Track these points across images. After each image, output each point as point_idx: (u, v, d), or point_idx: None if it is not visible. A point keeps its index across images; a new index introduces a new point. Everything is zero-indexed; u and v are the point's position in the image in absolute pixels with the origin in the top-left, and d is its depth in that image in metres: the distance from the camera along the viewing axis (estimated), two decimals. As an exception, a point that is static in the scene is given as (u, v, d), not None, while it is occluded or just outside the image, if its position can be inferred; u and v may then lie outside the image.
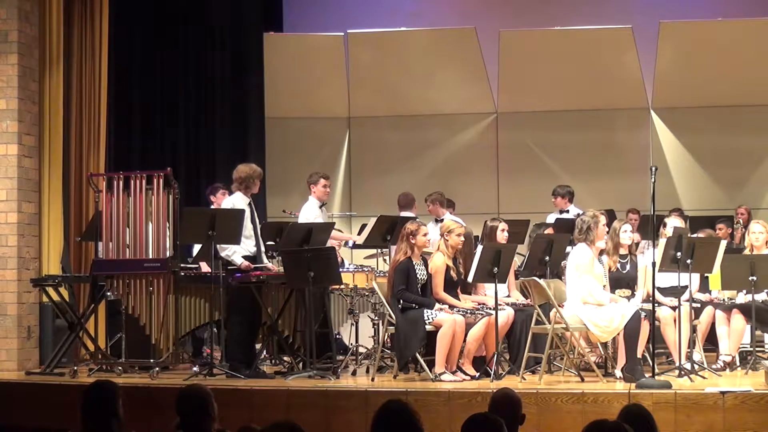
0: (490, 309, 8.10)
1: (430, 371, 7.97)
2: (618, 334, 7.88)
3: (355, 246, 10.09)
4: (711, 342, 8.62)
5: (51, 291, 9.12)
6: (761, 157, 12.56)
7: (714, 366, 8.27)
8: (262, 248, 8.81)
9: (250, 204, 8.71)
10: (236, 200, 8.71)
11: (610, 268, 8.36)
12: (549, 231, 9.55)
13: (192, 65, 12.40)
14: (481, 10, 13.05)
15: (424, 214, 10.76)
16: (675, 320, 8.12)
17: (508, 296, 8.75)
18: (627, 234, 8.41)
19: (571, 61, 12.43)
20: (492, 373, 7.88)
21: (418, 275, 8.23)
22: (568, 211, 10.74)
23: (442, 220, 10.11)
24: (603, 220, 8.18)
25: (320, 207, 9.55)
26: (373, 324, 9.32)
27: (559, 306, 7.89)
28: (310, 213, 9.45)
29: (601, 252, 8.30)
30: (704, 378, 7.77)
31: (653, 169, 7.82)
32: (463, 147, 13.13)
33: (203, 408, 4.81)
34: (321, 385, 7.70)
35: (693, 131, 12.78)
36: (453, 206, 11.19)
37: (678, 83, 12.44)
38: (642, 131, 12.86)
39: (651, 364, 7.61)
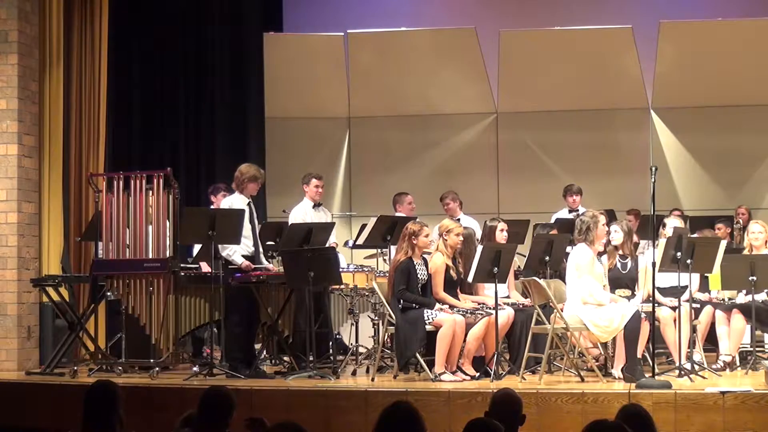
0: (490, 309, 8.11)
1: (430, 371, 7.97)
2: (618, 334, 7.88)
3: (355, 246, 10.08)
4: (711, 342, 8.63)
5: (51, 291, 9.12)
6: (761, 157, 12.55)
7: (714, 366, 8.27)
8: (260, 249, 8.81)
9: (249, 204, 8.71)
10: (234, 200, 8.71)
11: (609, 268, 8.37)
12: (554, 232, 9.53)
13: (192, 65, 12.40)
14: (481, 10, 13.04)
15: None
16: (675, 320, 8.12)
17: (508, 297, 8.75)
18: (613, 234, 8.39)
19: (571, 61, 12.43)
20: (492, 373, 7.88)
21: (418, 275, 8.23)
22: (577, 210, 10.72)
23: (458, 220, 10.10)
24: (602, 220, 8.18)
25: (314, 207, 9.54)
26: (373, 324, 9.32)
27: (559, 306, 7.89)
28: (299, 213, 9.44)
29: (600, 253, 8.31)
30: (704, 378, 7.78)
31: (653, 169, 7.82)
32: (463, 147, 13.12)
33: (225, 411, 4.84)
34: (321, 385, 7.70)
35: (693, 131, 12.77)
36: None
37: (678, 83, 12.44)
38: (642, 131, 12.85)
39: (651, 364, 7.61)
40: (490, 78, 12.70)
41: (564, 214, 10.83)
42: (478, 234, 9.37)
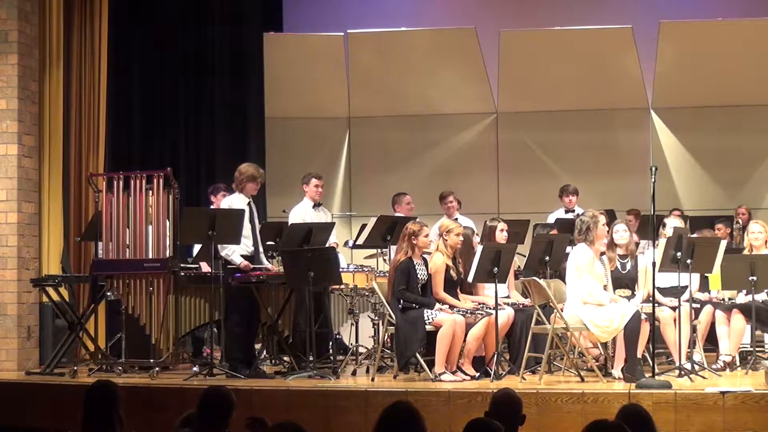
0: (490, 309, 8.11)
1: (430, 371, 7.97)
2: (618, 334, 7.88)
3: (355, 246, 10.09)
4: (711, 342, 8.63)
5: (51, 291, 9.12)
6: (761, 157, 12.55)
7: (714, 366, 8.27)
8: (260, 249, 8.81)
9: (249, 204, 8.70)
10: (234, 200, 8.71)
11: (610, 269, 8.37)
12: (554, 232, 9.53)
13: (192, 65, 12.40)
14: (481, 10, 13.05)
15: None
16: (675, 320, 8.12)
17: (508, 297, 8.75)
18: (619, 234, 8.41)
19: (571, 61, 12.43)
20: (492, 373, 7.88)
21: (418, 275, 8.23)
22: (573, 210, 10.74)
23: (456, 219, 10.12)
24: (603, 220, 8.18)
25: (315, 207, 9.53)
26: (373, 324, 9.32)
27: (559, 306, 7.89)
28: (299, 213, 9.44)
29: (603, 252, 8.31)
30: (704, 378, 7.78)
31: (653, 169, 7.82)
32: (463, 147, 13.12)
33: (225, 411, 4.84)
34: (321, 385, 7.70)
35: (693, 131, 12.78)
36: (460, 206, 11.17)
37: (678, 83, 12.44)
38: (642, 131, 12.85)
39: (651, 364, 7.61)
40: (490, 78, 12.71)
41: (560, 214, 10.84)
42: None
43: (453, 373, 8.01)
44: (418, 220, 8.99)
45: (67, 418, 5.47)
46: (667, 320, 8.26)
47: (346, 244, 10.57)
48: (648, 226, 8.86)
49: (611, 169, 12.66)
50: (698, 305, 8.51)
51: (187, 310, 8.72)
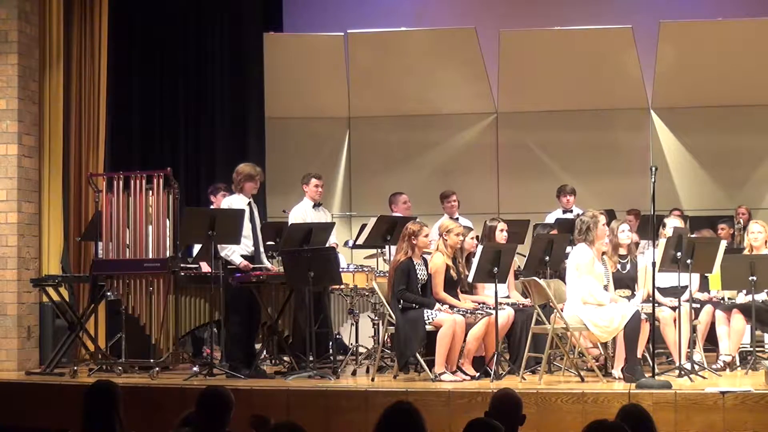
0: (490, 309, 8.11)
1: (430, 371, 7.97)
2: (618, 334, 7.88)
3: (355, 246, 10.09)
4: (711, 342, 8.63)
5: (51, 291, 9.12)
6: (761, 157, 12.56)
7: (714, 366, 8.27)
8: (261, 249, 8.81)
9: (249, 204, 8.71)
10: (234, 200, 8.71)
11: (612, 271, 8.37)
12: (554, 232, 9.53)
13: (192, 65, 12.40)
14: (481, 10, 13.05)
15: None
16: (675, 320, 8.12)
17: (508, 297, 8.75)
18: (625, 234, 8.42)
19: (571, 61, 12.43)
20: (492, 373, 7.88)
21: (418, 275, 8.23)
22: (571, 210, 10.76)
23: (456, 219, 10.13)
24: (603, 220, 8.18)
25: (314, 207, 9.53)
26: (373, 324, 9.32)
27: (559, 306, 7.89)
28: (299, 213, 9.44)
29: (604, 252, 8.31)
30: (704, 378, 7.78)
31: (653, 169, 7.82)
32: (463, 147, 13.13)
33: (223, 410, 4.84)
34: (321, 385, 7.70)
35: (693, 131, 12.79)
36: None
37: (678, 83, 12.44)
38: (642, 131, 12.86)
39: (651, 364, 7.62)
40: (490, 78, 12.71)
41: (558, 214, 10.84)
42: (471, 234, 9.37)
43: (453, 373, 8.01)
44: (417, 220, 8.99)
45: (67, 418, 5.48)
46: (667, 320, 8.26)
47: (346, 244, 10.57)
48: (648, 226, 8.86)
49: (611, 169, 12.67)
50: (698, 305, 8.51)
51: (187, 310, 8.72)
